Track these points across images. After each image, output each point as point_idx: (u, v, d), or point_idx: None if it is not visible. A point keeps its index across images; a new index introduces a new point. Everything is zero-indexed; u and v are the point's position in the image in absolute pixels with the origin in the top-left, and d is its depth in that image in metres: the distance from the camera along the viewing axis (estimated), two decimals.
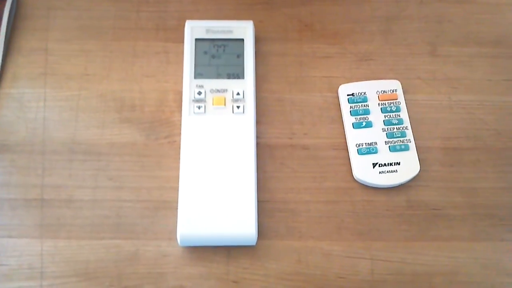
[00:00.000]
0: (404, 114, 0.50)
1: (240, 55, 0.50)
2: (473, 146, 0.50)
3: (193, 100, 0.48)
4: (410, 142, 0.49)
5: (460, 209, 0.48)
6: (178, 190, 0.46)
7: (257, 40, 0.53)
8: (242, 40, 0.51)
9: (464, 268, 0.46)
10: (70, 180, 0.47)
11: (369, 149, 0.48)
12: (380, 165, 0.48)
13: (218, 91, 0.49)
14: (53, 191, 0.47)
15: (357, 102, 0.50)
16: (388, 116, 0.49)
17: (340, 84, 0.51)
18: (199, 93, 0.48)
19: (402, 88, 0.51)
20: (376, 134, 0.49)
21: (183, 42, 0.52)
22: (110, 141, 0.49)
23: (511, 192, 0.48)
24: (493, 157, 0.50)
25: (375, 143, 0.48)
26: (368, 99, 0.50)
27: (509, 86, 0.53)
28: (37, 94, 0.50)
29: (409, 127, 0.49)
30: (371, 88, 0.51)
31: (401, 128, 0.49)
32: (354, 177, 0.48)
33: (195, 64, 0.50)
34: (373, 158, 0.48)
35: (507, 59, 0.54)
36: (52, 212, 0.46)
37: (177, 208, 0.45)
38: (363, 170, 0.48)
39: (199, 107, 0.48)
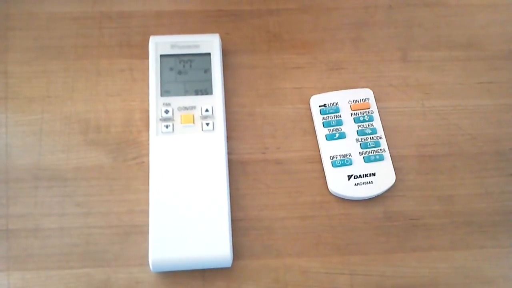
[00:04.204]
0: (377, 123, 0.49)
1: (208, 70, 0.49)
2: (449, 153, 0.49)
3: (160, 119, 0.47)
4: (385, 151, 0.48)
5: (438, 217, 0.47)
6: (148, 213, 0.44)
7: (225, 53, 0.52)
8: (209, 54, 0.49)
9: (444, 278, 0.45)
10: (36, 208, 0.46)
11: (343, 161, 0.47)
12: (355, 177, 0.47)
13: (186, 108, 0.47)
14: (18, 221, 0.45)
15: (329, 113, 0.49)
16: (361, 126, 0.48)
17: (312, 95, 0.50)
18: (167, 111, 0.47)
19: (374, 96, 0.50)
20: (350, 145, 0.48)
21: (148, 58, 0.50)
22: (76, 165, 0.47)
23: (488, 198, 0.48)
24: (470, 163, 0.49)
25: (349, 154, 0.47)
26: (340, 110, 0.49)
27: (482, 89, 0.52)
28: None
29: (383, 136, 0.48)
30: (343, 98, 0.50)
31: (374, 138, 0.48)
32: (330, 190, 0.47)
33: (161, 82, 0.48)
34: (347, 170, 0.47)
35: (479, 61, 0.53)
36: (18, 243, 0.44)
37: (148, 232, 0.44)
38: (338, 183, 0.47)
39: (167, 126, 0.46)
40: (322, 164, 0.48)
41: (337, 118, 0.49)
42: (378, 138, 0.48)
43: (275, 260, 0.45)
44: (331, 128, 0.49)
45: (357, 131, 0.48)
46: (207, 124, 0.47)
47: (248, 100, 0.51)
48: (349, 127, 0.49)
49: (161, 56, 0.49)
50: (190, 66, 0.49)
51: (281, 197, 0.47)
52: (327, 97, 0.50)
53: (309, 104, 0.50)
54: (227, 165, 0.47)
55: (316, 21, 0.54)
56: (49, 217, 0.45)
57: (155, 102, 0.47)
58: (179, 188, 0.45)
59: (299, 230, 0.46)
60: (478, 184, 0.48)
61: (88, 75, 0.51)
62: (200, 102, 0.48)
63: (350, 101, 0.50)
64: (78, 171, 0.47)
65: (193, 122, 0.47)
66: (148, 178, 0.46)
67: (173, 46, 0.49)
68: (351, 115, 0.49)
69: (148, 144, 0.47)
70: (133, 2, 0.54)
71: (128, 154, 0.48)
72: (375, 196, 0.47)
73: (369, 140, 0.48)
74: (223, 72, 0.51)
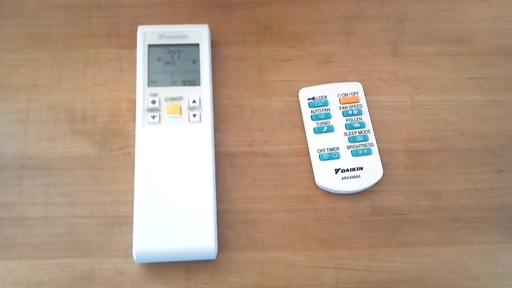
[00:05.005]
0: (366, 117, 0.48)
1: (196, 61, 0.49)
2: (437, 148, 0.49)
3: (147, 110, 0.46)
4: (373, 146, 0.47)
5: (425, 213, 0.47)
6: (133, 204, 0.44)
7: (214, 44, 0.51)
8: (198, 45, 0.49)
9: (430, 273, 0.45)
10: (20, 197, 0.45)
11: (331, 155, 0.47)
12: (343, 170, 0.46)
13: (173, 99, 0.47)
14: (2, 210, 0.45)
15: (318, 106, 0.49)
16: (350, 120, 0.48)
17: (301, 88, 0.50)
18: (153, 102, 0.47)
19: (364, 90, 0.50)
20: (337, 138, 0.48)
21: (136, 48, 0.50)
22: (61, 155, 0.47)
23: (476, 194, 0.47)
24: (458, 158, 0.49)
25: (337, 148, 0.47)
26: (329, 103, 0.49)
27: (473, 85, 0.52)
28: None
29: (372, 131, 0.48)
30: (332, 91, 0.49)
31: (363, 132, 0.48)
32: (317, 183, 0.47)
33: (148, 72, 0.48)
34: (335, 163, 0.47)
35: (470, 56, 0.53)
36: (1, 232, 0.44)
37: (133, 223, 0.43)
38: (325, 176, 0.46)
39: (153, 117, 0.46)
40: (309, 157, 0.48)
41: (326, 112, 0.49)
42: (366, 132, 0.48)
43: (260, 253, 0.45)
44: (320, 121, 0.48)
45: (345, 124, 0.48)
46: (194, 115, 0.46)
47: (236, 92, 0.50)
48: (338, 120, 0.48)
49: (149, 46, 0.49)
50: (178, 56, 0.49)
51: (268, 190, 0.47)
52: (316, 90, 0.50)
53: (298, 97, 0.50)
54: (214, 157, 0.46)
55: (307, 14, 0.54)
56: (34, 206, 0.45)
57: (142, 92, 0.47)
58: (164, 179, 0.44)
59: (285, 224, 0.46)
60: (467, 180, 0.48)
61: (76, 65, 0.50)
62: (188, 93, 0.47)
63: (339, 94, 0.49)
64: (63, 161, 0.47)
65: (180, 113, 0.46)
66: (133, 168, 0.45)
67: (161, 36, 0.49)
68: (340, 109, 0.49)
69: (135, 135, 0.47)
70: None
71: (114, 144, 0.47)
72: (362, 190, 0.47)
73: (357, 134, 0.48)
74: (212, 64, 0.50)
